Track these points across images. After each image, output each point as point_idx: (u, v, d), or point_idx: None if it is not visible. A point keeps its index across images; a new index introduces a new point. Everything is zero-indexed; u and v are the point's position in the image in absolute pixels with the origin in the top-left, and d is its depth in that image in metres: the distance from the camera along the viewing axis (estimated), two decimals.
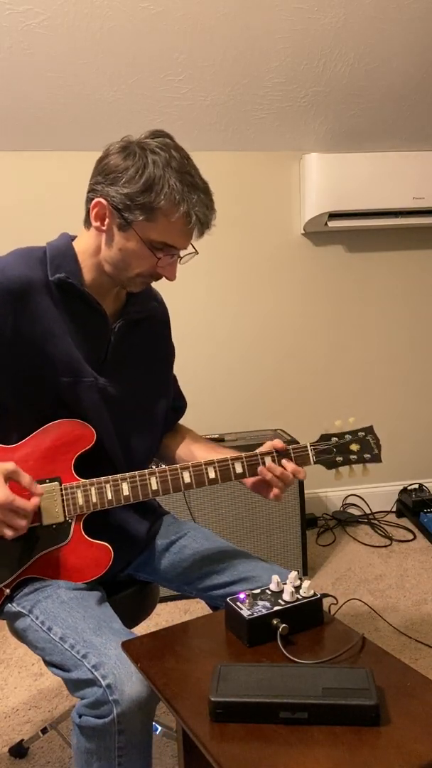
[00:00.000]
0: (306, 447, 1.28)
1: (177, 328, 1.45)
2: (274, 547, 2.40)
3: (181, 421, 1.50)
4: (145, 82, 2.35)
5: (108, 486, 1.20)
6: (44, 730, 1.62)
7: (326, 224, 2.73)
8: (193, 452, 1.39)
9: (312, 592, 1.06)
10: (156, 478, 1.21)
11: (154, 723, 1.20)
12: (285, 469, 1.24)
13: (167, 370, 1.43)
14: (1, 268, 1.16)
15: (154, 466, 1.27)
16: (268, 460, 1.24)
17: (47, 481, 1.18)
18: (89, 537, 1.19)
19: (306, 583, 1.07)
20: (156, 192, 1.10)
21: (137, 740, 1.03)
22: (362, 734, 0.82)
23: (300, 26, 2.23)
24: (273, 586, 1.09)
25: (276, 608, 1.02)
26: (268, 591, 1.08)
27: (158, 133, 1.15)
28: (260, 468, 1.24)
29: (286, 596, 1.05)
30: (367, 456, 1.30)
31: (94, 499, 1.19)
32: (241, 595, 1.05)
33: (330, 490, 3.01)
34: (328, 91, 2.51)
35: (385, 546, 2.72)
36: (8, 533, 1.09)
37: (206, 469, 1.23)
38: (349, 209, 2.69)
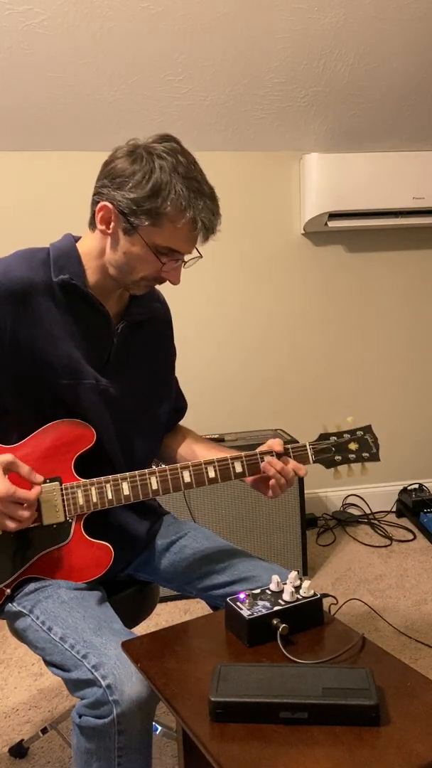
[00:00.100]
0: (305, 446, 1.28)
1: (177, 328, 1.45)
2: (274, 547, 2.40)
3: (181, 422, 1.50)
4: (145, 82, 2.35)
5: (108, 486, 1.20)
6: (44, 730, 1.62)
7: (326, 224, 2.73)
8: (194, 452, 1.39)
9: (312, 592, 1.06)
10: (156, 477, 1.21)
11: (154, 723, 1.20)
12: (284, 465, 1.24)
13: (169, 371, 1.43)
14: (4, 270, 1.16)
15: (154, 466, 1.27)
16: (268, 457, 1.25)
17: (48, 480, 1.18)
18: (89, 537, 1.19)
19: (306, 583, 1.07)
20: (162, 198, 1.10)
21: (137, 740, 1.03)
22: (362, 734, 0.82)
23: (300, 26, 2.23)
24: (273, 586, 1.09)
25: (276, 608, 1.03)
26: (268, 591, 1.08)
27: (165, 137, 1.15)
28: (263, 464, 1.24)
29: (286, 596, 1.05)
30: (365, 455, 1.30)
31: (95, 499, 1.19)
32: (241, 595, 1.05)
33: (330, 490, 3.01)
34: (328, 91, 2.51)
35: (385, 546, 2.72)
36: (11, 525, 1.09)
37: (206, 468, 1.23)
38: (349, 209, 2.69)
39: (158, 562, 1.36)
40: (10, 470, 1.09)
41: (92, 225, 1.20)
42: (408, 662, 1.86)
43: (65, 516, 1.18)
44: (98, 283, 1.22)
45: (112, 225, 1.16)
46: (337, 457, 1.29)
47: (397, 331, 3.01)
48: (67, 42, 2.16)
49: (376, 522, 2.93)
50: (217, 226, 1.17)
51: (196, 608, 2.22)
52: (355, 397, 3.01)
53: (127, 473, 1.21)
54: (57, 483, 1.18)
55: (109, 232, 1.17)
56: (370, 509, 3.01)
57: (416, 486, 3.00)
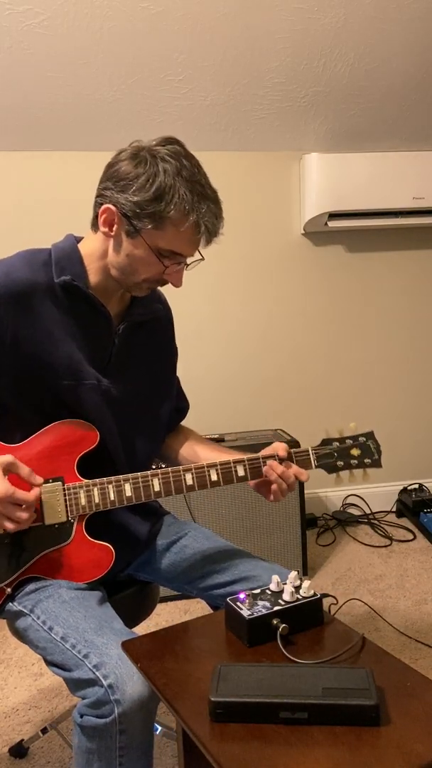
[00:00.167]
0: (307, 451, 1.29)
1: (176, 328, 1.45)
2: (274, 547, 2.40)
3: (182, 422, 1.50)
4: (145, 82, 2.35)
5: (111, 486, 1.20)
6: (44, 730, 1.63)
7: (326, 224, 2.73)
8: (196, 452, 1.39)
9: (312, 592, 1.07)
10: (158, 479, 1.21)
11: (154, 723, 1.20)
12: (286, 469, 1.24)
13: (171, 371, 1.43)
14: (6, 271, 1.16)
15: (155, 467, 1.27)
16: (270, 461, 1.25)
17: (50, 480, 1.18)
18: (91, 537, 1.19)
19: (306, 583, 1.08)
20: (166, 201, 1.10)
21: (138, 740, 1.03)
22: (362, 734, 0.82)
23: (300, 26, 2.23)
24: (273, 586, 1.09)
25: (276, 608, 1.03)
26: (268, 591, 1.08)
27: (169, 140, 1.15)
28: (265, 469, 1.25)
29: (286, 596, 1.05)
30: (367, 461, 1.31)
31: (97, 500, 1.19)
32: (241, 595, 1.05)
33: (330, 490, 3.02)
34: (328, 91, 2.51)
35: (385, 546, 2.72)
36: (10, 526, 1.09)
37: (209, 471, 1.23)
38: (349, 209, 2.69)
39: (159, 562, 1.37)
40: (10, 471, 1.09)
41: (95, 226, 1.21)
42: (408, 662, 1.86)
43: (67, 516, 1.18)
44: (100, 284, 1.22)
45: (115, 227, 1.16)
46: (339, 463, 1.29)
47: (397, 331, 3.02)
48: (67, 42, 2.16)
49: (376, 522, 2.93)
50: (220, 230, 1.17)
51: (196, 608, 2.22)
52: (355, 397, 3.01)
53: (130, 474, 1.21)
54: (59, 483, 1.18)
55: (112, 234, 1.17)
56: (370, 509, 3.01)
57: (416, 486, 3.01)
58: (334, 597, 1.13)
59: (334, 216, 2.71)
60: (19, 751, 1.61)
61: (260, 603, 1.04)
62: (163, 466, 1.28)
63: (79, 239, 1.26)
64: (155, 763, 1.12)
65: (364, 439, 1.32)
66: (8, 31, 2.09)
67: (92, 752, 1.03)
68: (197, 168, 1.14)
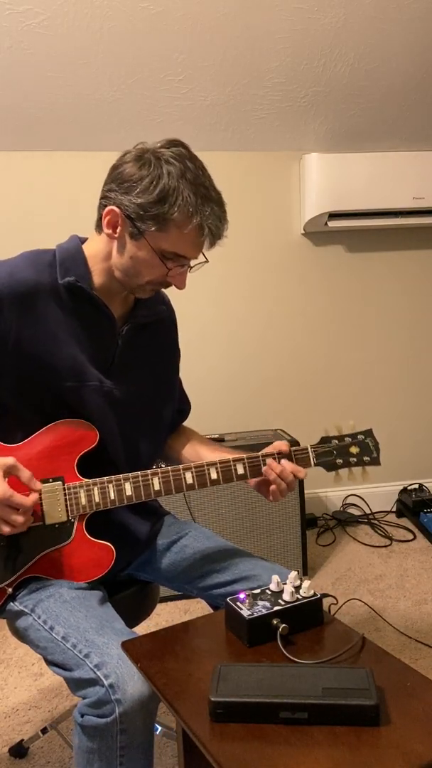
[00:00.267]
0: (306, 449, 1.29)
1: (180, 330, 1.45)
2: (274, 547, 2.40)
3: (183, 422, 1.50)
4: (145, 82, 2.35)
5: (111, 486, 1.20)
6: (44, 730, 1.63)
7: (326, 224, 2.73)
8: (198, 453, 1.39)
9: (312, 592, 1.07)
10: (159, 478, 1.21)
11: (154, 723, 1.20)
12: (284, 467, 1.24)
13: (174, 373, 1.43)
14: (10, 272, 1.16)
15: (155, 466, 1.27)
16: (269, 460, 1.25)
17: (50, 480, 1.18)
18: (91, 537, 1.19)
19: (306, 583, 1.08)
20: (170, 204, 1.10)
21: (139, 740, 1.03)
22: (362, 734, 0.82)
23: (300, 26, 2.23)
24: (273, 586, 1.09)
25: (276, 608, 1.03)
26: (268, 591, 1.08)
27: (174, 142, 1.15)
28: (264, 468, 1.25)
29: (286, 596, 1.05)
30: (366, 459, 1.31)
31: (97, 499, 1.19)
32: (241, 595, 1.05)
33: (330, 490, 3.02)
34: (328, 91, 2.51)
35: (385, 546, 2.72)
36: (5, 529, 1.09)
37: (208, 469, 1.23)
38: (349, 209, 2.69)
39: (159, 561, 1.37)
40: (10, 473, 1.09)
41: (99, 228, 1.21)
42: (408, 662, 1.86)
43: (67, 516, 1.18)
44: (104, 286, 1.22)
45: (118, 229, 1.16)
46: (339, 461, 1.30)
47: (397, 331, 3.02)
48: (67, 42, 2.16)
49: (376, 522, 2.93)
50: (224, 232, 1.17)
51: (196, 608, 2.22)
52: (355, 397, 3.01)
53: (130, 474, 1.21)
54: (60, 482, 1.19)
55: (116, 236, 1.17)
56: (370, 509, 3.01)
57: (416, 486, 3.01)
58: (334, 597, 1.13)
59: (334, 216, 2.71)
60: (19, 751, 1.61)
61: (260, 603, 1.04)
62: (164, 466, 1.29)
63: (83, 240, 1.26)
64: (155, 763, 1.12)
65: (363, 437, 1.32)
66: (8, 31, 2.09)
67: (93, 752, 1.03)
68: (201, 170, 1.14)
